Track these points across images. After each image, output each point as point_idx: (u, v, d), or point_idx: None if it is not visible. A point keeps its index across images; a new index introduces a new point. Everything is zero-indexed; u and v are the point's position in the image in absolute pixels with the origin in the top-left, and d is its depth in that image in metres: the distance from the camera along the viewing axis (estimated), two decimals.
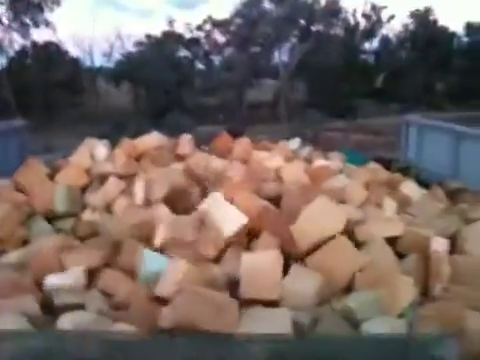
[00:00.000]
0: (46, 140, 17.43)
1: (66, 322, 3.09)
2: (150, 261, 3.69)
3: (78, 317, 3.12)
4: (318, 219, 3.89)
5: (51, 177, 5.78)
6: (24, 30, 23.93)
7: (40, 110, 22.66)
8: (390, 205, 5.00)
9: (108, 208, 5.09)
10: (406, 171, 7.97)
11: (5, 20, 23.04)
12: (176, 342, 2.77)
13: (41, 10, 22.73)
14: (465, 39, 30.31)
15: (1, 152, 7.41)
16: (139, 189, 5.13)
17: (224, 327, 2.92)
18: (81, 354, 2.27)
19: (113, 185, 5.39)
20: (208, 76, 28.42)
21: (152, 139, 6.57)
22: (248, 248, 3.97)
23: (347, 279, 3.60)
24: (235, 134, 10.38)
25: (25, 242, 4.51)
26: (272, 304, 3.31)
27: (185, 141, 6.91)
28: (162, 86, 26.50)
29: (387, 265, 3.73)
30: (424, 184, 6.26)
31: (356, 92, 28.41)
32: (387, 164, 8.92)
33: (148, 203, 4.88)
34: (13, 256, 4.15)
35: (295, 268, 3.60)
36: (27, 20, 23.18)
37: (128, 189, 5.39)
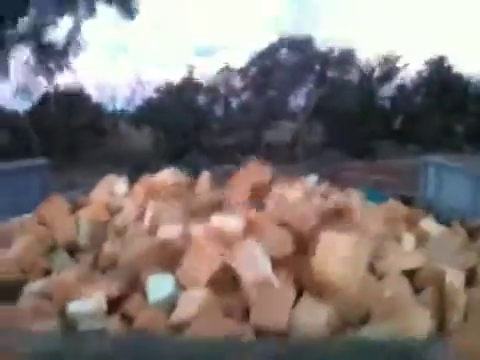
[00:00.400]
0: (69, 178, 17.83)
1: None
2: (155, 286, 3.72)
3: None
4: (340, 259, 3.80)
5: (73, 211, 5.93)
6: (49, 74, 24.53)
7: (63, 150, 23.17)
8: (409, 240, 4.99)
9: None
10: (427, 210, 7.97)
11: (31, 63, 23.69)
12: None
13: (66, 55, 23.39)
14: None
15: (23, 190, 7.65)
16: (147, 219, 5.27)
17: None
18: None
19: (131, 212, 5.59)
20: (226, 118, 28.91)
21: (169, 175, 6.72)
22: None
23: (364, 310, 3.57)
24: None
25: (47, 273, 4.60)
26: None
27: (204, 178, 7.03)
28: (181, 130, 27.07)
29: (403, 297, 3.72)
30: (444, 224, 6.25)
31: (374, 134, 28.60)
32: (408, 202, 8.94)
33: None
34: (36, 285, 4.21)
35: (305, 300, 3.60)
36: (52, 65, 23.83)
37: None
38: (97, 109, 29.86)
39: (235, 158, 25.47)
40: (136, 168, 20.31)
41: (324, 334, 3.31)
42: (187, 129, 27.14)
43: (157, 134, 29.94)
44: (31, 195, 7.85)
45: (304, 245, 4.40)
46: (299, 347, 2.43)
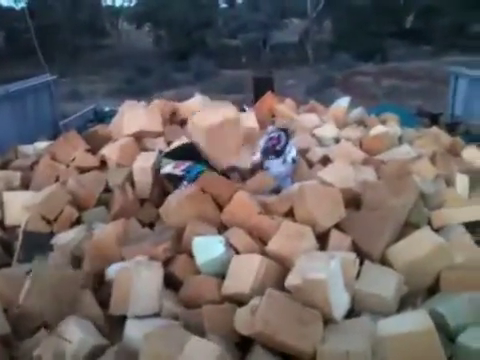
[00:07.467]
0: (72, 86, 17.13)
1: (135, 330, 2.83)
2: (203, 248, 3.30)
3: (149, 324, 2.85)
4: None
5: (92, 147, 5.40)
6: None
7: (63, 54, 22.13)
8: (462, 181, 4.51)
9: None
10: (454, 127, 7.56)
11: None
12: None
13: None
14: None
15: (33, 108, 7.44)
16: None
17: (307, 341, 2.65)
18: None
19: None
20: (232, 17, 27.23)
21: (196, 102, 6.08)
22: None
23: (432, 277, 3.22)
24: (265, 82, 9.87)
25: (73, 224, 4.16)
26: None
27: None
28: (184, 27, 25.62)
29: (476, 260, 3.36)
30: (474, 141, 5.90)
31: (385, 33, 27.13)
32: (434, 119, 8.47)
33: None
34: (64, 237, 3.83)
35: (367, 267, 3.19)
36: None
37: None
38: (96, 6, 28.20)
39: (241, 61, 24.37)
40: (141, 72, 19.53)
41: (394, 306, 3.00)
42: (190, 27, 25.69)
43: (158, 32, 28.42)
44: (41, 113, 7.64)
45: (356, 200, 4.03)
46: None
